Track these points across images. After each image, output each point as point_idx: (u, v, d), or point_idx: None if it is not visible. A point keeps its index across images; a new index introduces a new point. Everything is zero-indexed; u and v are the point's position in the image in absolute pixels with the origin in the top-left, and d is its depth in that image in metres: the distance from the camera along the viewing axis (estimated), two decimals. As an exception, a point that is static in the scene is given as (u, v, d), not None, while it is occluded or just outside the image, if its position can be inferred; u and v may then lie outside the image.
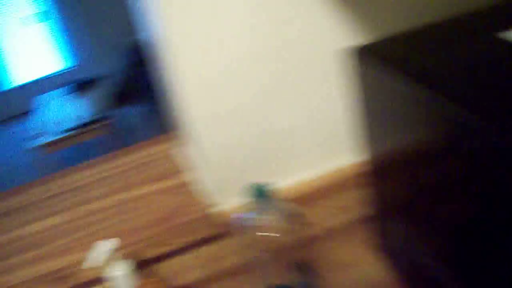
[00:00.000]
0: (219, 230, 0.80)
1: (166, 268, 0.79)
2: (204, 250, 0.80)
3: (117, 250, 0.68)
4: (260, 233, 0.58)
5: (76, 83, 3.75)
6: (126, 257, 0.71)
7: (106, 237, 0.80)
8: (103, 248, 0.67)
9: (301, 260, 0.62)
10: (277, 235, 0.56)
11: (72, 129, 3.15)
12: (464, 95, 0.44)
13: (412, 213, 0.58)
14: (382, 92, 0.54)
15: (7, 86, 4.27)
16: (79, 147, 3.58)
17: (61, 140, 3.13)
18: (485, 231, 0.44)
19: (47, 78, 4.26)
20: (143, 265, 0.76)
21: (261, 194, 0.54)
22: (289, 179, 0.83)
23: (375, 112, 0.58)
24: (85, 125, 3.18)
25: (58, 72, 4.26)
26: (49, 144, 3.10)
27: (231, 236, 0.81)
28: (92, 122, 3.19)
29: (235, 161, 0.79)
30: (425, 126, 0.47)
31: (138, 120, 3.81)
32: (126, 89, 4.11)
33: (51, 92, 3.80)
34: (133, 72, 3.80)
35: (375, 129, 0.61)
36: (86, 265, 0.72)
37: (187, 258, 0.80)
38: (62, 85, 3.78)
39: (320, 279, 0.61)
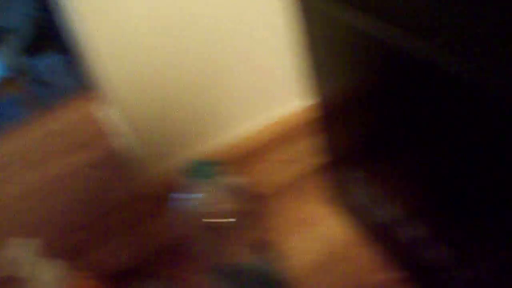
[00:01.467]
0: (151, 207, 0.68)
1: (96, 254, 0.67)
2: (140, 229, 0.69)
3: (37, 247, 0.54)
4: (204, 216, 0.47)
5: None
6: (47, 252, 0.57)
7: (19, 229, 0.66)
8: (18, 248, 0.53)
9: (254, 239, 0.52)
10: (224, 219, 0.46)
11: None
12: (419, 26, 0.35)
13: (369, 161, 0.51)
14: (327, 26, 0.45)
15: None
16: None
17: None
18: (448, 180, 0.38)
19: None
20: (69, 255, 0.64)
21: (204, 173, 0.43)
22: (228, 134, 0.72)
23: (321, 49, 0.50)
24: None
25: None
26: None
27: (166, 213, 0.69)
28: (4, 79, 2.90)
29: (164, 121, 0.67)
30: (375, 61, 0.40)
31: (54, 74, 3.53)
32: (37, 40, 3.80)
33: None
34: (42, 19, 3.49)
35: (322, 69, 0.53)
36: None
37: (121, 242, 0.68)
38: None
39: (278, 255, 0.53)
